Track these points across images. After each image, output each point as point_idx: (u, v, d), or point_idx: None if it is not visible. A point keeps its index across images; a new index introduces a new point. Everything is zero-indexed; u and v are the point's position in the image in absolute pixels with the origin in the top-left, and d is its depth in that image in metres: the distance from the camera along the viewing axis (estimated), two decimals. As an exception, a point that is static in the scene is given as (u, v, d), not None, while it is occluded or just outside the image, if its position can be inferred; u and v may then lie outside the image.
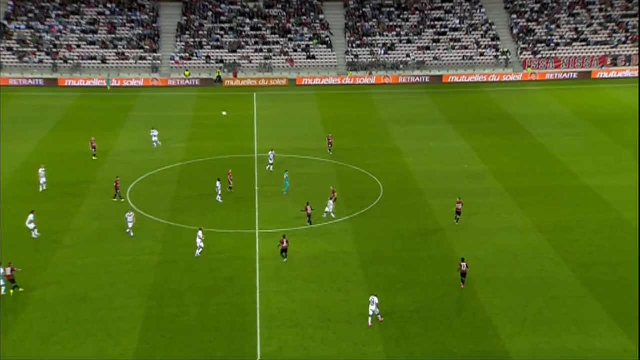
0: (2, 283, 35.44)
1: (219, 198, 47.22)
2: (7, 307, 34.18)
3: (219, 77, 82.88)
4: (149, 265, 38.98)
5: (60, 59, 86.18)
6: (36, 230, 41.63)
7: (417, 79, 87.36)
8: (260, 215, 45.69)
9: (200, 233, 40.06)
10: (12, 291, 35.54)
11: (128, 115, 70.80)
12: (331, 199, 45.64)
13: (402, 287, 36.66)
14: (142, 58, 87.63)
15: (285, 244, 39.33)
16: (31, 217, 41.42)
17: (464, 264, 36.48)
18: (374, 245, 41.80)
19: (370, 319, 33.28)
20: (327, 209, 44.96)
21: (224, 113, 62.89)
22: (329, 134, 58.43)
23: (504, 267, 39.07)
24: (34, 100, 76.45)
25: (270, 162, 53.68)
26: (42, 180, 48.90)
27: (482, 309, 34.73)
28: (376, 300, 33.27)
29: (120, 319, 33.52)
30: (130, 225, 41.98)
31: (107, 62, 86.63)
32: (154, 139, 58.99)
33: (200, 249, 39.95)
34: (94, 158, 55.37)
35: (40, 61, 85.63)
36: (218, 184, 47.72)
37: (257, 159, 57.11)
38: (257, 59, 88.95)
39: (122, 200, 47.33)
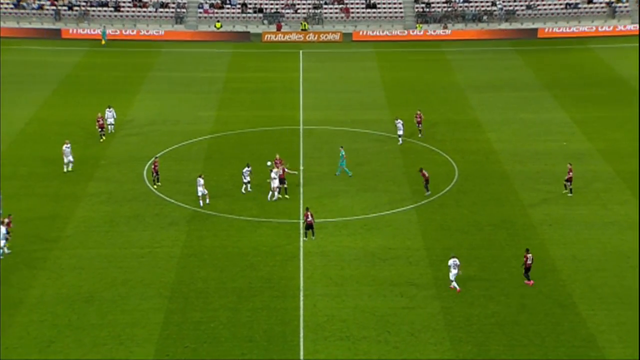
0: (2, 244, 38.83)
1: (247, 186, 46.57)
2: None
3: None
4: (169, 259, 39.57)
5: (64, 5, 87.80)
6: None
7: (505, 33, 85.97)
8: (306, 202, 45.88)
9: (274, 171, 44.83)
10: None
11: (146, 75, 71.80)
12: (273, 170, 45.68)
13: (480, 294, 36.39)
14: (163, 5, 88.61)
15: (309, 218, 40.48)
16: None
17: (530, 255, 36.72)
18: (446, 240, 41.54)
19: (454, 283, 36.24)
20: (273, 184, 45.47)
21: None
22: (418, 110, 56.91)
23: (612, 272, 38.33)
24: (32, 55, 78.29)
25: (400, 132, 54.04)
26: (68, 158, 49.54)
27: (584, 324, 34.19)
28: (458, 261, 36.12)
29: (134, 324, 34.13)
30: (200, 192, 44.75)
31: (121, 9, 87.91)
32: (110, 120, 55.98)
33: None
34: (101, 140, 54.59)
35: (40, 7, 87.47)
36: (247, 171, 46.77)
37: (302, 132, 57.26)
38: (304, 8, 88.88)
39: (159, 184, 47.81)
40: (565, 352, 32.41)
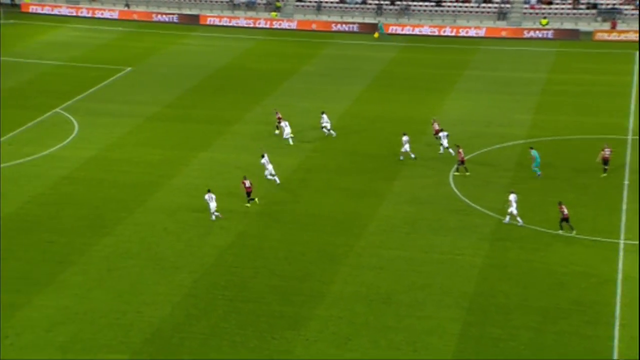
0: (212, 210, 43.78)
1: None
2: (301, 299, 37.28)
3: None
4: (470, 268, 39.41)
5: (387, 0, 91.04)
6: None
7: None
8: (628, 220, 43.18)
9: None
10: (248, 204, 45.23)
11: (462, 74, 72.14)
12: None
13: None
14: (487, 0, 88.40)
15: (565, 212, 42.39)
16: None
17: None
18: None
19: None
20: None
21: None
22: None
23: None
24: (349, 50, 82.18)
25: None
26: (405, 147, 52.35)
27: None
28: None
29: (430, 332, 34.40)
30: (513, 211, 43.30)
31: (443, 5, 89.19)
32: (325, 123, 56.50)
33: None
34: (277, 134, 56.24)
35: (364, 2, 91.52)
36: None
37: (630, 143, 54.01)
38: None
39: (468, 173, 49.24)
40: None
